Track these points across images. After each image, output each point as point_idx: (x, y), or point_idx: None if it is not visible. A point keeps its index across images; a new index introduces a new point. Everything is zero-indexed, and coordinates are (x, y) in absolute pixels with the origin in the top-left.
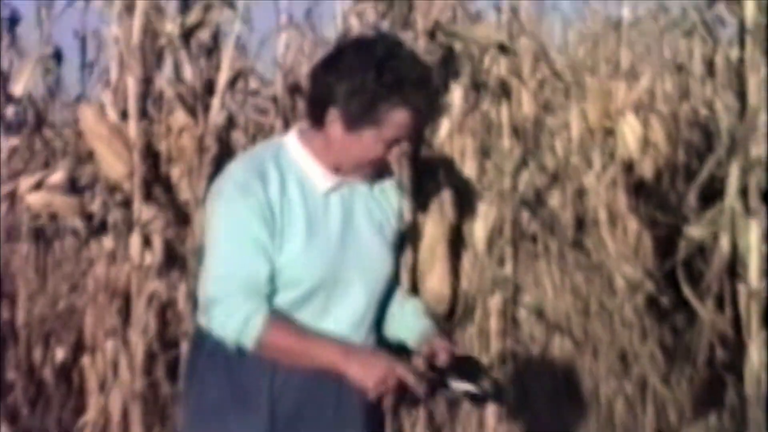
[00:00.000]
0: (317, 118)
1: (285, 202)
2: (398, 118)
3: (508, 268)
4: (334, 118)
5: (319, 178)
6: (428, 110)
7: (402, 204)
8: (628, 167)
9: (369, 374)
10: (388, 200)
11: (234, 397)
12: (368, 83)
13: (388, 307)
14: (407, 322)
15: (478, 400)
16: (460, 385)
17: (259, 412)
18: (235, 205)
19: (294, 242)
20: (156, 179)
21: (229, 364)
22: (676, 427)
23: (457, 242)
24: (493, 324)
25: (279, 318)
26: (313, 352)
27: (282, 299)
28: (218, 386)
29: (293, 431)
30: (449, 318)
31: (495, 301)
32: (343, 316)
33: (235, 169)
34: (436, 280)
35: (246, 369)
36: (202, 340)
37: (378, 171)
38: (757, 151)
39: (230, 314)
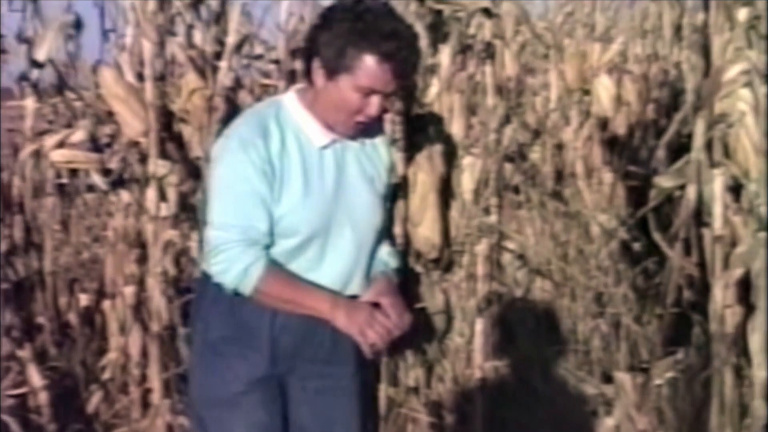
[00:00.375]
0: (307, 71)
1: (284, 156)
2: (368, 64)
3: (493, 217)
4: (316, 67)
5: (315, 134)
6: (403, 63)
7: (393, 158)
8: (603, 124)
9: (352, 323)
10: (379, 156)
11: (236, 336)
12: (342, 31)
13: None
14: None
15: None
16: None
17: (260, 350)
18: (237, 158)
19: (292, 193)
20: (169, 137)
21: (231, 306)
22: (647, 362)
23: (446, 193)
24: (480, 268)
25: (275, 268)
26: (304, 301)
27: (281, 247)
28: (221, 327)
29: (291, 368)
30: (439, 263)
31: (481, 247)
32: (336, 262)
33: (238, 125)
34: (427, 228)
35: (247, 311)
36: (206, 284)
37: (367, 128)
38: (720, 107)
39: (230, 263)
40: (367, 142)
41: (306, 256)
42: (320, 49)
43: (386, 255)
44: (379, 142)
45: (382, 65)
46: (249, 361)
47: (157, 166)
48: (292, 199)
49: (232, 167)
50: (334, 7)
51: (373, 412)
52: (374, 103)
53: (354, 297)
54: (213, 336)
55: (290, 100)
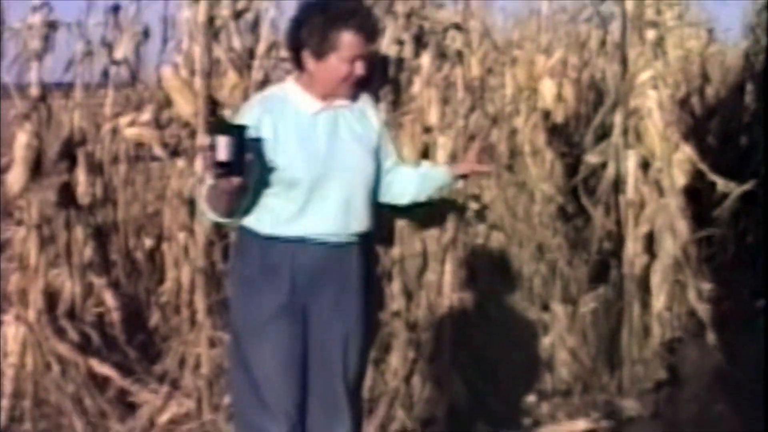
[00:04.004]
0: (298, 64)
1: (280, 121)
2: (347, 39)
3: (461, 184)
4: (306, 56)
5: (308, 104)
6: (370, 30)
7: (380, 120)
8: (546, 115)
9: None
10: (367, 118)
11: (264, 271)
12: (319, 22)
13: (389, 183)
14: (418, 179)
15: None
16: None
17: (283, 282)
18: (244, 114)
19: (289, 150)
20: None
21: (261, 247)
22: (576, 295)
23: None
24: (449, 225)
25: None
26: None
27: (285, 194)
28: (252, 264)
29: (308, 295)
30: (414, 209)
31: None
32: (332, 202)
33: (252, 100)
34: None
35: (273, 253)
36: (242, 232)
37: (357, 87)
38: (634, 103)
39: None
40: (355, 108)
41: (304, 203)
42: (305, 41)
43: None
44: (366, 107)
45: (357, 36)
46: (273, 292)
47: (204, 139)
48: (289, 154)
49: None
50: (305, 7)
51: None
52: (359, 65)
53: (356, 235)
54: (246, 272)
55: (288, 84)
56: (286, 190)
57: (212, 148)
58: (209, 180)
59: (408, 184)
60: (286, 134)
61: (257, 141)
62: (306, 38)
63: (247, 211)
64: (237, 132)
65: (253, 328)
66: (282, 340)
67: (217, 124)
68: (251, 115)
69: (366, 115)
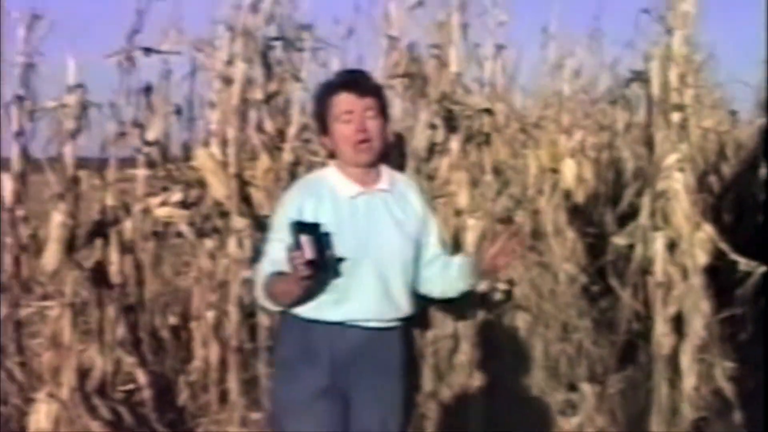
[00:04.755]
0: (325, 145)
1: (320, 207)
2: (337, 98)
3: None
4: (323, 139)
5: (346, 188)
6: (363, 86)
7: (422, 203)
8: (567, 195)
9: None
10: (408, 202)
11: (304, 354)
12: (318, 99)
13: (426, 278)
14: (450, 278)
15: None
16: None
17: (323, 365)
18: (283, 203)
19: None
20: (246, 200)
21: (302, 330)
22: (603, 376)
23: (456, 246)
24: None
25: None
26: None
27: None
28: (293, 347)
29: (348, 379)
30: (449, 301)
31: (481, 287)
32: (371, 288)
33: (293, 185)
34: None
35: (314, 333)
36: (284, 312)
37: (368, 149)
38: (660, 185)
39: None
40: (396, 191)
41: (344, 287)
42: (317, 125)
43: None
44: (408, 191)
45: (347, 93)
46: (313, 374)
47: (237, 221)
48: None
49: (278, 209)
50: (312, 98)
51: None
52: (356, 120)
53: (396, 320)
54: (287, 355)
55: (329, 168)
56: (342, 278)
57: (299, 248)
58: (267, 268)
59: (439, 279)
60: (325, 219)
61: (329, 236)
62: (316, 121)
63: (306, 301)
64: (315, 230)
65: (294, 411)
66: (323, 422)
67: (297, 224)
68: (294, 201)
69: (407, 200)
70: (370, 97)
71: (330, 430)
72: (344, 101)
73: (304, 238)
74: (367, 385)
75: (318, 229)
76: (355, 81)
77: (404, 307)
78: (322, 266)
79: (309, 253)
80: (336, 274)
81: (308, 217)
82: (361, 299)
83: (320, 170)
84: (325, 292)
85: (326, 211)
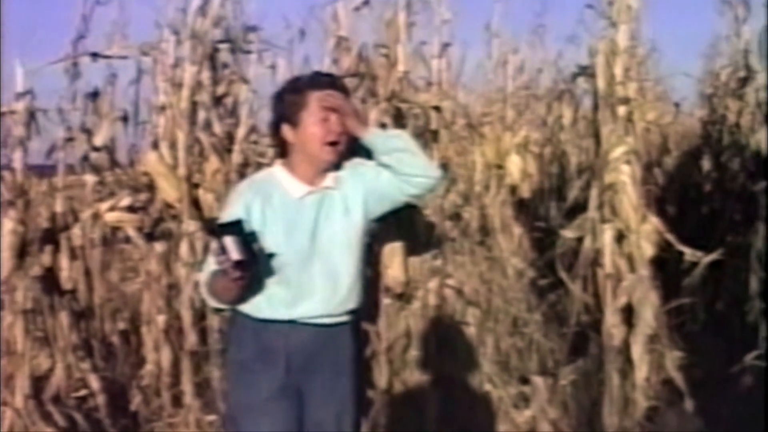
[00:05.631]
0: (282, 147)
1: (267, 207)
2: (314, 96)
3: (439, 262)
4: (285, 131)
5: (294, 188)
6: (336, 85)
7: (358, 171)
8: (513, 190)
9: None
10: (352, 184)
11: (259, 355)
12: (290, 94)
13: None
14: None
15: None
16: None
17: (278, 364)
18: (230, 202)
19: (275, 235)
20: (195, 202)
21: (255, 330)
22: (555, 368)
23: (407, 241)
24: (431, 300)
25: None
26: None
27: (278, 279)
28: (247, 348)
29: (303, 376)
30: (402, 295)
31: (432, 284)
32: (320, 286)
33: (241, 185)
34: (395, 269)
35: (267, 333)
36: (235, 313)
37: (341, 150)
38: (608, 178)
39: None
40: (340, 184)
41: (294, 286)
42: (283, 115)
43: None
44: (349, 176)
45: (323, 91)
46: (270, 374)
47: (189, 224)
48: (276, 239)
49: (225, 208)
50: (278, 89)
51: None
52: (333, 121)
53: (345, 313)
54: (242, 356)
55: (277, 168)
56: (275, 273)
57: (223, 251)
58: (209, 268)
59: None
60: (274, 219)
61: (254, 232)
62: (283, 111)
63: (246, 297)
64: (238, 228)
65: (250, 410)
66: (279, 421)
67: (218, 226)
68: (241, 200)
69: (351, 184)
70: (347, 102)
71: (287, 429)
72: (327, 99)
73: (228, 239)
74: (320, 382)
75: (241, 227)
76: (331, 82)
77: (353, 299)
78: (251, 263)
79: (235, 254)
80: (270, 269)
81: (256, 218)
82: (311, 297)
83: (267, 170)
84: (275, 293)
85: (274, 211)
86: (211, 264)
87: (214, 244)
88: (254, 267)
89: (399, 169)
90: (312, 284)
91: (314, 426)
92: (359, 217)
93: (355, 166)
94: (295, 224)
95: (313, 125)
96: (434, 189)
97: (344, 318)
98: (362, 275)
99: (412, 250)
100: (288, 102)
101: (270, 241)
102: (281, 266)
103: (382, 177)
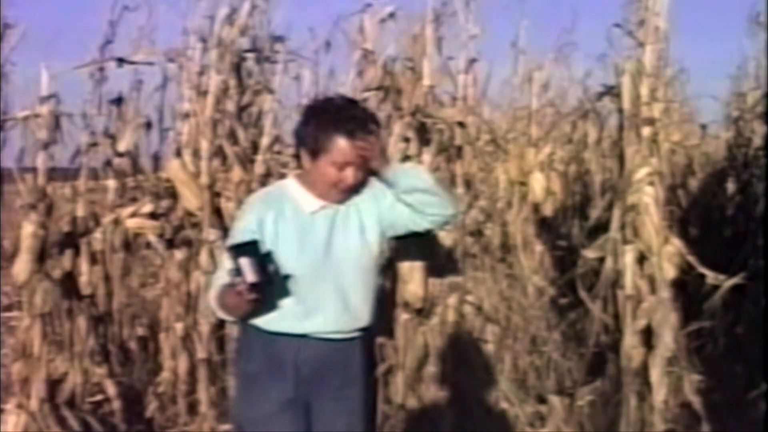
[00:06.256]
0: (298, 158)
1: (280, 221)
2: (338, 143)
3: (459, 277)
4: (303, 155)
5: (307, 202)
6: (365, 139)
7: (379, 199)
8: (536, 208)
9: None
10: (367, 202)
11: (268, 367)
12: (316, 123)
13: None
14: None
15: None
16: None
17: (287, 377)
18: (243, 215)
19: (287, 250)
20: (217, 211)
21: (265, 342)
22: (572, 388)
23: (428, 259)
24: (450, 316)
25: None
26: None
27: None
28: (257, 360)
29: (312, 389)
30: (421, 311)
31: (451, 300)
32: (331, 301)
33: (253, 197)
34: (415, 285)
35: (276, 347)
36: (246, 325)
37: (349, 193)
38: (631, 199)
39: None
40: (356, 200)
41: (305, 301)
42: (304, 140)
43: None
44: (367, 197)
45: (348, 142)
46: (279, 386)
47: (210, 232)
48: (289, 253)
49: (238, 219)
50: (310, 106)
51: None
52: (349, 174)
53: (357, 330)
54: (251, 368)
55: (290, 181)
56: (288, 288)
57: (238, 272)
58: (220, 282)
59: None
60: (286, 233)
61: (269, 252)
62: (304, 137)
63: (257, 313)
64: (253, 249)
65: (258, 423)
66: None
67: (233, 247)
68: (254, 213)
69: (367, 202)
70: (369, 149)
71: None
72: (344, 150)
73: (244, 261)
74: (329, 395)
75: (257, 248)
76: (364, 130)
77: (365, 317)
78: (266, 285)
79: (251, 276)
80: (283, 288)
81: (269, 231)
82: (323, 312)
83: (280, 182)
84: (287, 306)
85: (287, 225)
86: (222, 277)
87: (228, 264)
88: (268, 289)
89: (418, 207)
90: (324, 299)
91: None
92: (374, 236)
93: (373, 189)
94: (308, 239)
95: (329, 168)
96: (449, 224)
97: (355, 334)
98: (376, 293)
99: (432, 265)
100: (311, 134)
101: (282, 255)
102: (293, 281)
103: (398, 208)
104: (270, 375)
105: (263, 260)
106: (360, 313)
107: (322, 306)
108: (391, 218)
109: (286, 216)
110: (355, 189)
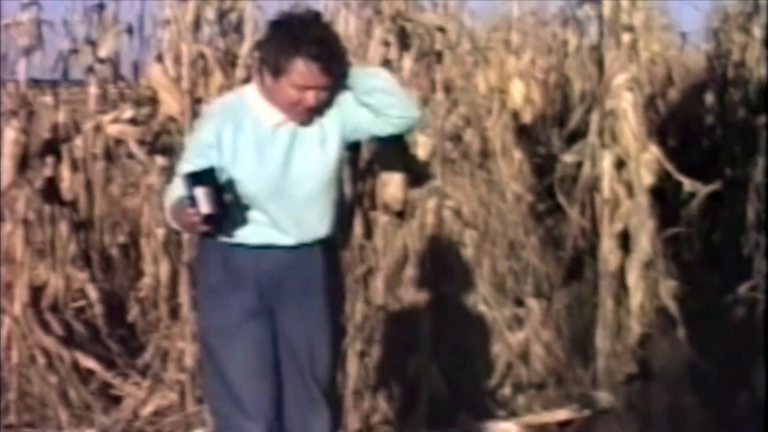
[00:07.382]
0: (260, 73)
1: (239, 134)
2: (299, 66)
3: (438, 182)
4: (264, 72)
5: (269, 115)
6: (328, 62)
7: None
8: (515, 115)
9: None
10: (328, 114)
11: (229, 278)
12: (277, 41)
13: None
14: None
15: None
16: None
17: (249, 287)
18: (201, 126)
19: (246, 163)
20: (198, 116)
21: (224, 254)
22: (549, 293)
23: (407, 162)
24: (429, 219)
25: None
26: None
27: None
28: (217, 272)
29: (274, 298)
30: (401, 214)
31: (430, 204)
32: (290, 215)
33: (211, 107)
34: (394, 188)
35: (236, 258)
36: (203, 239)
37: (310, 115)
38: (609, 105)
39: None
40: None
41: (263, 214)
42: (265, 57)
43: None
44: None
45: (309, 65)
46: (240, 297)
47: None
48: (247, 168)
49: (196, 131)
50: (273, 22)
51: (341, 331)
52: (310, 96)
53: (316, 240)
54: (212, 280)
55: (250, 89)
56: (245, 201)
57: (193, 203)
58: (176, 192)
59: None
60: (245, 147)
61: (229, 181)
62: (265, 54)
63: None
64: (210, 178)
65: (223, 334)
66: (252, 343)
67: (189, 176)
68: (212, 126)
69: (329, 111)
70: (333, 74)
71: (260, 350)
72: (305, 74)
73: (199, 191)
74: (292, 303)
75: (214, 177)
76: (326, 55)
77: (325, 227)
78: (220, 216)
79: (205, 207)
80: (240, 213)
81: (227, 144)
82: (280, 227)
83: (240, 90)
84: (244, 220)
85: (246, 139)
86: (179, 187)
87: (184, 191)
88: (223, 219)
89: (379, 108)
90: (281, 214)
91: (286, 344)
92: (335, 149)
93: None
94: (267, 154)
95: (288, 93)
96: (413, 128)
97: (315, 243)
98: (336, 204)
99: (410, 171)
100: (272, 52)
101: (240, 170)
102: (252, 195)
103: (359, 111)
104: (231, 286)
105: (220, 190)
106: (320, 224)
107: (280, 220)
108: (353, 122)
109: (245, 130)
110: (318, 110)
